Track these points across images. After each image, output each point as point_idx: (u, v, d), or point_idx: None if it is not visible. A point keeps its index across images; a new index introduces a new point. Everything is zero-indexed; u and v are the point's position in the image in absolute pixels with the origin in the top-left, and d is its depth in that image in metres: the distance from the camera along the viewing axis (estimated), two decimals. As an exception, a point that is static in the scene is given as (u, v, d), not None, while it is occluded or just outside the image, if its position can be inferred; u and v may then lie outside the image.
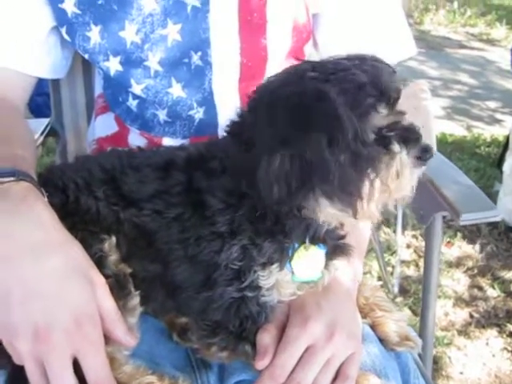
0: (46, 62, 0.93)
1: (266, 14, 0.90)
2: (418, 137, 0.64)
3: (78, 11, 0.88)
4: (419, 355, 1.03)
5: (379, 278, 1.94)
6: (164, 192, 0.70)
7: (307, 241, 0.69)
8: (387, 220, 2.34)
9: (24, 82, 0.91)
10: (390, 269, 2.04)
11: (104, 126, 1.05)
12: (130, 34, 0.89)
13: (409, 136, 0.63)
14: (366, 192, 0.60)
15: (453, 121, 3.60)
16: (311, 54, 1.05)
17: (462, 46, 5.33)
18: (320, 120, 0.59)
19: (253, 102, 0.67)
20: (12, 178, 0.65)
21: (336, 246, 0.72)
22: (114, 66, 0.92)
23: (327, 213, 0.63)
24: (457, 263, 2.15)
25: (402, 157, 0.62)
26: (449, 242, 2.24)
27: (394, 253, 2.10)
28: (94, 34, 0.89)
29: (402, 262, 2.06)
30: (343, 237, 0.73)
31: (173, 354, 0.75)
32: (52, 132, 1.19)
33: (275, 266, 0.68)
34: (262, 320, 0.68)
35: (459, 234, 2.29)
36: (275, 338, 0.68)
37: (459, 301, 1.96)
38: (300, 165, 0.58)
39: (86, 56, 0.92)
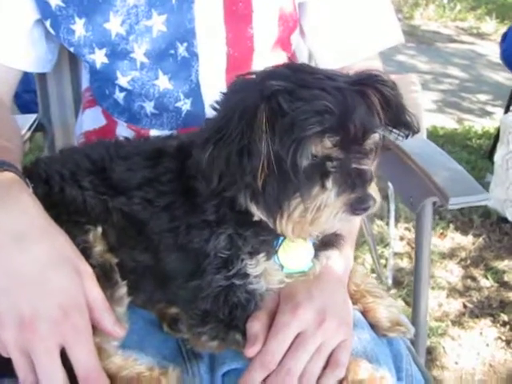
0: (30, 56, 0.92)
1: (252, 3, 0.89)
2: (358, 186, 0.59)
3: (62, 4, 0.87)
4: (412, 344, 1.03)
5: (373, 271, 1.94)
6: (154, 180, 0.69)
7: None
8: (380, 212, 2.35)
9: (8, 76, 0.91)
10: (383, 261, 2.05)
11: (92, 119, 1.04)
12: (114, 25, 0.88)
13: (349, 180, 0.59)
14: (286, 211, 0.60)
15: (444, 114, 3.61)
16: (299, 43, 1.05)
17: (452, 40, 5.35)
18: (239, 133, 0.58)
19: (224, 93, 0.68)
20: None
21: (326, 237, 0.72)
22: (99, 58, 0.91)
23: (257, 214, 0.64)
24: (450, 254, 2.15)
25: (330, 196, 0.59)
26: (442, 234, 2.25)
27: (387, 245, 2.11)
28: (79, 26, 0.88)
29: (395, 254, 2.07)
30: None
31: (163, 345, 0.74)
32: (40, 128, 1.18)
33: (262, 255, 0.67)
34: (251, 308, 0.68)
35: (452, 226, 2.29)
36: (265, 325, 0.67)
37: (453, 291, 1.97)
38: (227, 162, 0.59)
39: (72, 49, 0.91)
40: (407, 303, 1.86)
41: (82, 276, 0.62)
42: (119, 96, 0.96)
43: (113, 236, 0.68)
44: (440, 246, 2.19)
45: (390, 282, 1.95)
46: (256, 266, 0.67)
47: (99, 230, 0.67)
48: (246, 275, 0.67)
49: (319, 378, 0.66)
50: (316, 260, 0.72)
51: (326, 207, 0.60)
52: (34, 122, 1.14)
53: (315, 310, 0.67)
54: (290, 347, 0.66)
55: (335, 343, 0.67)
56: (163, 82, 0.92)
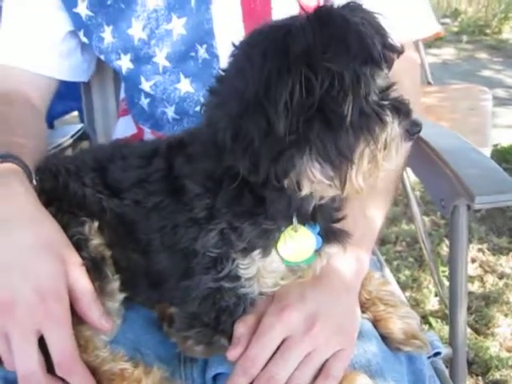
0: (63, 65, 0.97)
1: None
2: (410, 109, 0.60)
3: (91, 13, 0.91)
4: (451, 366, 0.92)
5: (436, 294, 1.79)
6: (144, 180, 0.69)
7: (294, 221, 0.63)
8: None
9: (40, 83, 0.95)
10: (451, 284, 1.88)
11: (124, 127, 1.07)
12: (136, 30, 0.90)
13: (401, 107, 0.59)
14: (356, 163, 0.56)
15: (531, 130, 3.30)
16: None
17: (547, 53, 4.94)
18: (352, 41, 0.53)
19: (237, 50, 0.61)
20: None
21: (329, 230, 0.66)
22: (125, 64, 0.94)
23: (313, 181, 0.57)
24: (529, 278, 1.93)
25: (394, 127, 0.58)
26: (519, 254, 2.03)
27: (455, 267, 1.93)
28: (107, 34, 0.92)
29: (465, 276, 1.89)
30: (339, 219, 0.67)
31: (160, 346, 0.72)
32: (86, 137, 1.23)
33: (257, 251, 0.63)
34: (239, 313, 0.64)
35: (532, 246, 2.06)
36: (251, 328, 0.63)
37: (530, 319, 1.75)
38: (311, 94, 0.52)
39: (102, 57, 0.95)
40: (476, 330, 1.69)
41: (68, 264, 0.61)
42: (144, 102, 0.98)
43: (107, 234, 0.68)
44: (517, 268, 1.97)
45: (456, 306, 1.78)
46: (249, 267, 0.63)
47: (95, 223, 0.67)
48: (237, 277, 0.63)
49: None
50: (317, 256, 0.66)
51: (393, 140, 0.58)
52: (79, 130, 1.20)
53: (305, 314, 0.62)
54: (275, 353, 0.61)
55: (328, 353, 0.61)
56: (185, 86, 0.93)
